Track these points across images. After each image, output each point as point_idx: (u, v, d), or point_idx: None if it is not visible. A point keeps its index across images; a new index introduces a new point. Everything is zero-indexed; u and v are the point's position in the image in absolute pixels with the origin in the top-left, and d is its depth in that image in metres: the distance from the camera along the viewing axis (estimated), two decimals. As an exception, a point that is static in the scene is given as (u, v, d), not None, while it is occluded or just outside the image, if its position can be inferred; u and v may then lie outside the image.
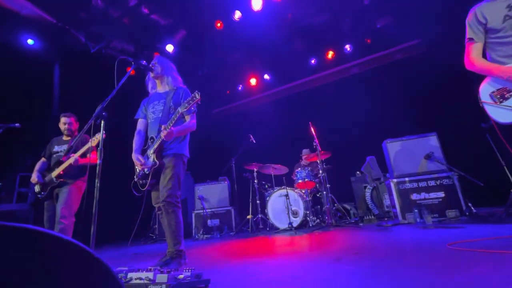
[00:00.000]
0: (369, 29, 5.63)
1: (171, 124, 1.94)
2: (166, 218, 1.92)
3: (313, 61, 6.30)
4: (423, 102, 5.00)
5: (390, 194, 3.54)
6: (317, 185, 4.35)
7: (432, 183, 3.31)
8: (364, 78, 5.86)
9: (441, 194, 3.24)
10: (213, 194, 4.84)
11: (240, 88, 7.16)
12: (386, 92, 5.42)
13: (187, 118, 2.18)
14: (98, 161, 1.54)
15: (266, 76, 6.77)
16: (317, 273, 1.47)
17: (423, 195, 3.31)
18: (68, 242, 0.49)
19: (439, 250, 1.65)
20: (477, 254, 1.45)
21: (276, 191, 4.21)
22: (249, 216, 4.36)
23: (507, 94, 1.52)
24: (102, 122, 1.58)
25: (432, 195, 3.28)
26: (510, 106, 1.50)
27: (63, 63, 5.42)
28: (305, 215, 3.99)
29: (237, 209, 4.85)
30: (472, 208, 3.10)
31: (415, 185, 3.36)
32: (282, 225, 4.00)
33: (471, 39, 1.73)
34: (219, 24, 5.19)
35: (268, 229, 4.21)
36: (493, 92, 1.58)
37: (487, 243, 1.67)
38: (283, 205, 4.04)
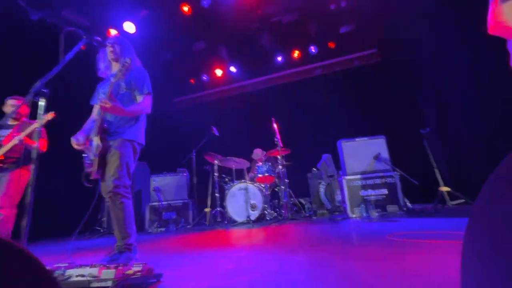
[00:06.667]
0: (333, 34, 5.91)
1: (106, 96, 1.73)
2: (114, 210, 1.76)
3: (279, 59, 6.40)
4: (375, 107, 5.45)
5: (342, 190, 3.81)
6: (276, 180, 4.47)
7: (378, 181, 3.65)
8: (326, 80, 6.16)
9: (385, 191, 3.60)
10: (171, 186, 4.65)
11: (205, 78, 6.95)
12: (344, 95, 5.77)
13: (139, 98, 1.95)
14: (35, 145, 1.35)
15: (232, 69, 6.68)
16: (274, 264, 1.51)
17: (370, 191, 3.63)
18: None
19: (381, 240, 1.83)
20: (411, 244, 1.64)
21: (236, 184, 4.22)
22: (207, 209, 4.30)
23: None
24: (43, 100, 1.38)
25: (377, 191, 3.62)
26: None
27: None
28: (263, 209, 4.08)
29: (195, 202, 4.75)
30: (409, 204, 3.50)
31: (363, 182, 3.67)
32: (240, 218, 4.03)
33: None
34: (186, 8, 4.93)
35: (226, 222, 4.21)
36: None
37: (420, 235, 1.91)
38: (242, 198, 4.07)
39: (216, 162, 4.48)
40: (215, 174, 4.48)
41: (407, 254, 1.44)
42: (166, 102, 7.16)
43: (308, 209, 4.63)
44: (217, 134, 4.67)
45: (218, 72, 6.78)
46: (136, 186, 4.91)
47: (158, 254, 2.17)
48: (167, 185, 4.65)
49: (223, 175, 4.67)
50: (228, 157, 4.47)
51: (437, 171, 3.75)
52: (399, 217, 3.08)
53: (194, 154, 4.72)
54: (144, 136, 2.05)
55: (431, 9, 4.43)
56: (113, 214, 1.77)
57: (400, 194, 3.54)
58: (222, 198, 4.34)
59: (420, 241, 1.68)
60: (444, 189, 3.55)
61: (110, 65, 2.08)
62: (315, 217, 3.89)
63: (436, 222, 2.45)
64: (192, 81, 7.09)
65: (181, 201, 4.55)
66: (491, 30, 1.45)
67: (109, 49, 2.01)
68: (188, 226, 4.27)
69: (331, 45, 6.03)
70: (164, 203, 4.44)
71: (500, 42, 1.48)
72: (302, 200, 4.73)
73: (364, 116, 5.40)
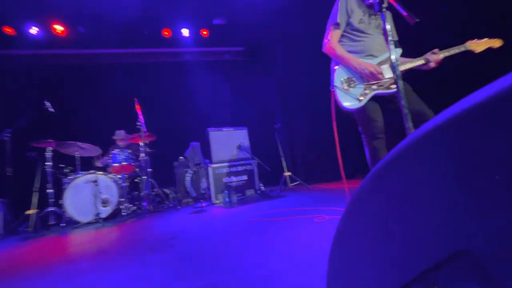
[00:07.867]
0: (207, 23, 5.84)
1: None
2: None
3: (146, 33, 5.62)
4: (241, 99, 5.93)
5: (208, 178, 3.90)
6: (137, 169, 3.96)
7: (239, 168, 4.00)
8: (197, 68, 6.05)
9: (245, 177, 4.00)
10: (-41, 182, 3.07)
11: (35, 32, 5.03)
12: (214, 85, 5.90)
13: None
14: None
15: (81, 30, 5.21)
16: (122, 274, 1.26)
17: (232, 178, 3.93)
18: None
19: (242, 224, 1.98)
20: (266, 223, 1.87)
21: (81, 176, 3.37)
22: (31, 211, 3.19)
23: (353, 84, 1.65)
24: None
25: (239, 178, 3.97)
26: (354, 94, 1.63)
27: None
28: (119, 203, 3.50)
29: (10, 202, 3.40)
30: (262, 187, 4.08)
31: (227, 170, 3.92)
32: (85, 217, 3.27)
33: (338, 24, 1.71)
34: None
35: (64, 224, 3.28)
36: (344, 78, 1.68)
37: (272, 214, 2.22)
38: (90, 193, 3.31)
39: (49, 147, 3.37)
40: (48, 163, 3.37)
41: (264, 232, 1.61)
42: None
43: (172, 199, 4.43)
44: (52, 110, 3.52)
45: (58, 28, 5.11)
46: None
47: None
48: (-48, 181, 3.04)
49: (61, 165, 3.60)
50: (70, 142, 3.48)
51: (283, 159, 4.59)
52: (255, 199, 3.51)
53: (10, 135, 3.34)
54: None
55: (284, 23, 5.27)
56: None
57: (256, 180, 4.05)
58: (59, 195, 3.35)
59: (272, 220, 1.95)
60: (287, 174, 4.40)
61: None
62: (179, 207, 3.76)
63: (282, 201, 2.97)
64: (9, 30, 4.95)
65: (-19, 203, 3.11)
66: (324, 49, 1.90)
67: None
68: (-5, 238, 3.00)
69: (204, 33, 5.95)
70: None
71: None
72: (166, 190, 4.46)
73: (231, 108, 5.76)
